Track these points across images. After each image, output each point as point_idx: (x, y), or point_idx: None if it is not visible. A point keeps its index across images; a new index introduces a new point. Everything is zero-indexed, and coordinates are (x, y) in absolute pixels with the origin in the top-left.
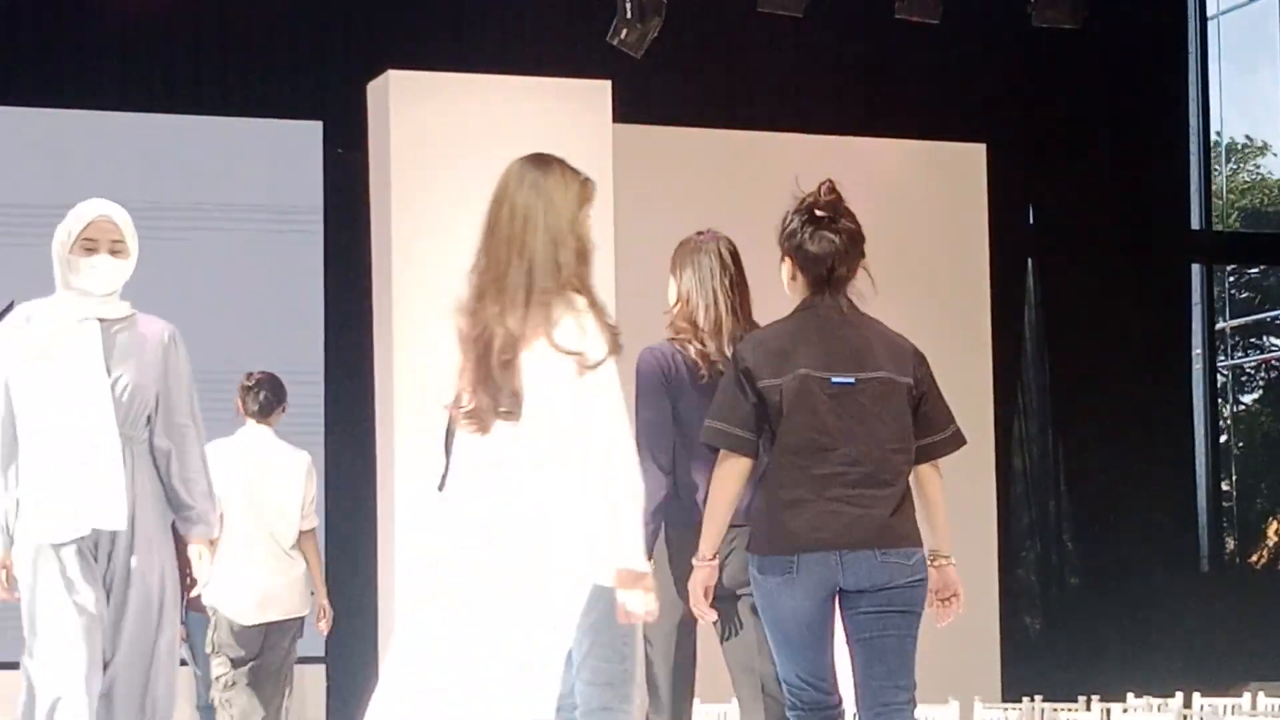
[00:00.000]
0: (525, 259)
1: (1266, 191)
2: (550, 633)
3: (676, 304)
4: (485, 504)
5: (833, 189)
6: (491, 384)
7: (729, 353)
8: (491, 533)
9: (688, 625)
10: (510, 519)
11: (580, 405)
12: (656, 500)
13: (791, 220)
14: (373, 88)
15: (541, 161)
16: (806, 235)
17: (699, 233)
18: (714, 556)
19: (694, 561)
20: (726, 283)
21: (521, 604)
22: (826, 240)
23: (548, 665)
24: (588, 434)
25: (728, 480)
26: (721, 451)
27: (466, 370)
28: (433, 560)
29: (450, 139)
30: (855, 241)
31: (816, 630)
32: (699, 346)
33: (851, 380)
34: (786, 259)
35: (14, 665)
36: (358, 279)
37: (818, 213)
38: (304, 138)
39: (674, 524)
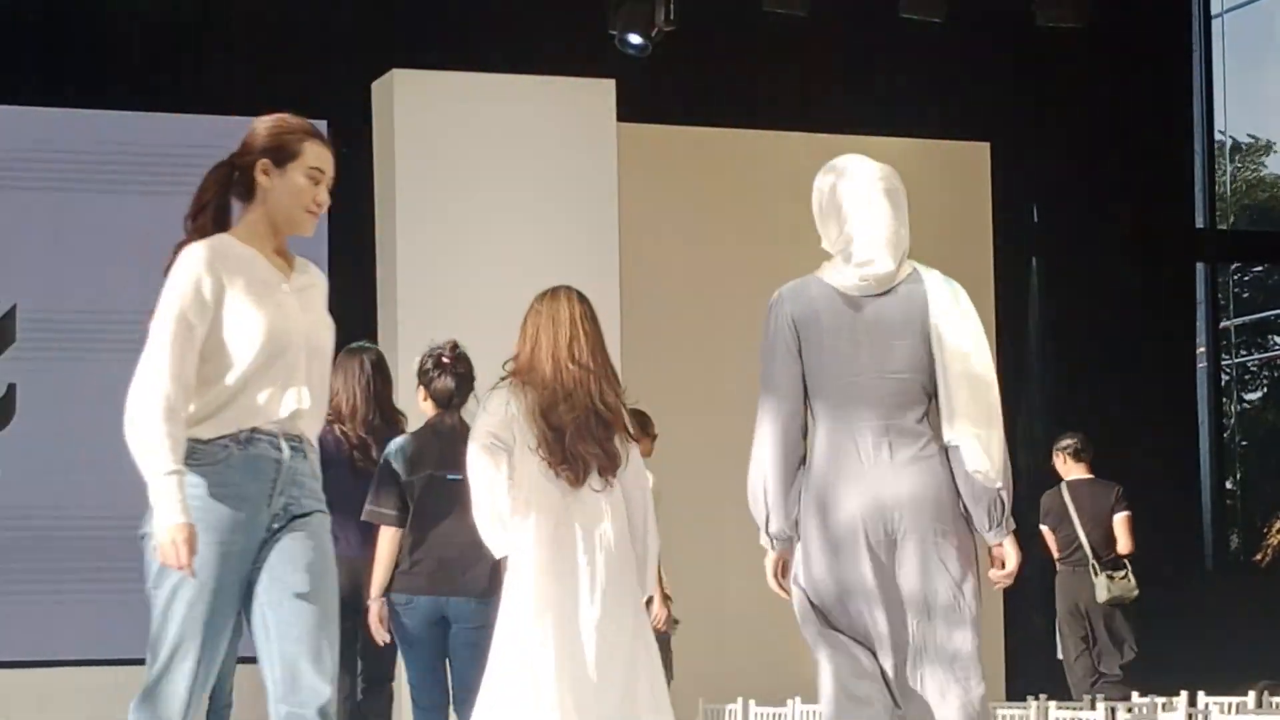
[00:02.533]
0: None
1: (1270, 190)
2: None
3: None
4: None
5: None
6: None
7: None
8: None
9: None
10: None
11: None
12: None
13: (426, 361)
14: (377, 87)
15: None
16: (435, 375)
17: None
18: None
19: None
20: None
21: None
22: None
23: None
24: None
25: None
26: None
27: None
28: None
29: (454, 138)
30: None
31: None
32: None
33: (458, 477)
34: (421, 388)
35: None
36: (362, 278)
37: (443, 360)
38: None
39: None
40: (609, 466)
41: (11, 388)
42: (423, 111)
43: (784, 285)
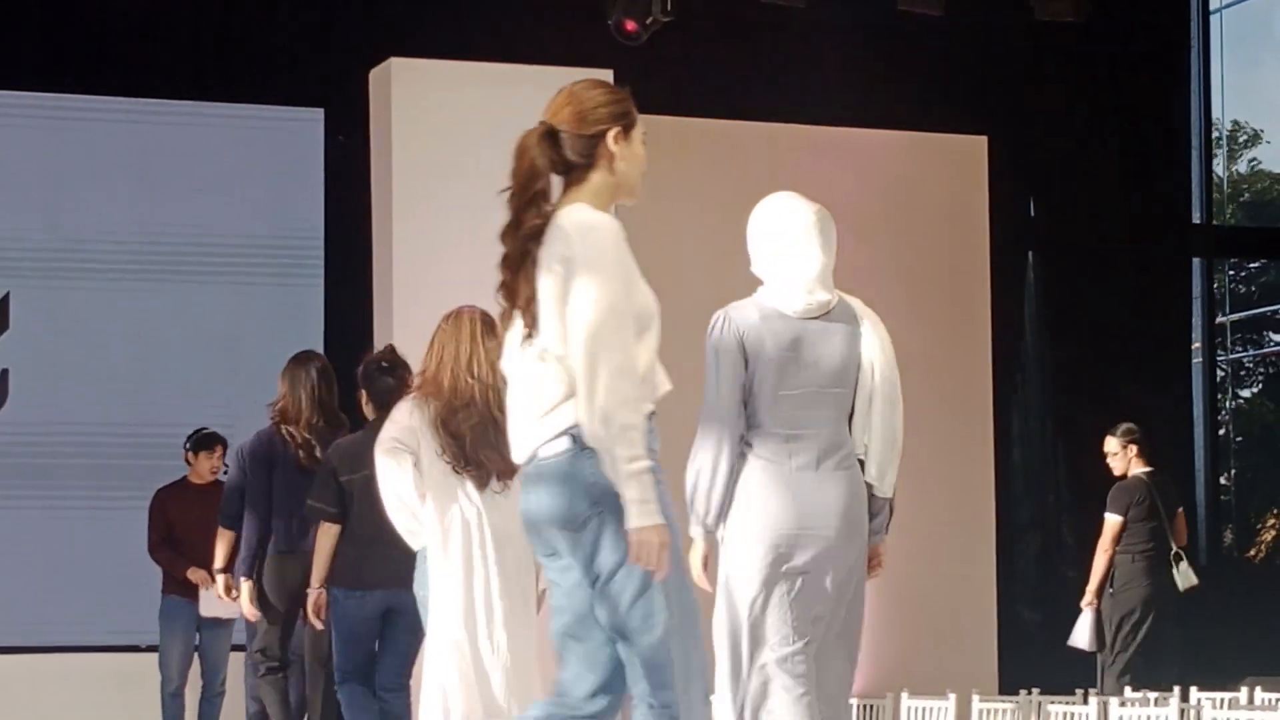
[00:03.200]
0: None
1: (1267, 185)
2: None
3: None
4: None
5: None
6: None
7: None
8: None
9: None
10: None
11: None
12: None
13: (367, 366)
14: (375, 75)
15: None
16: (375, 379)
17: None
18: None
19: None
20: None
21: None
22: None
23: None
24: None
25: None
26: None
27: None
28: None
29: (452, 127)
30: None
31: None
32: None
33: None
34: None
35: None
36: (357, 267)
37: (382, 364)
38: (306, 125)
39: None
40: (506, 471)
41: (4, 373)
42: (420, 100)
43: (728, 306)
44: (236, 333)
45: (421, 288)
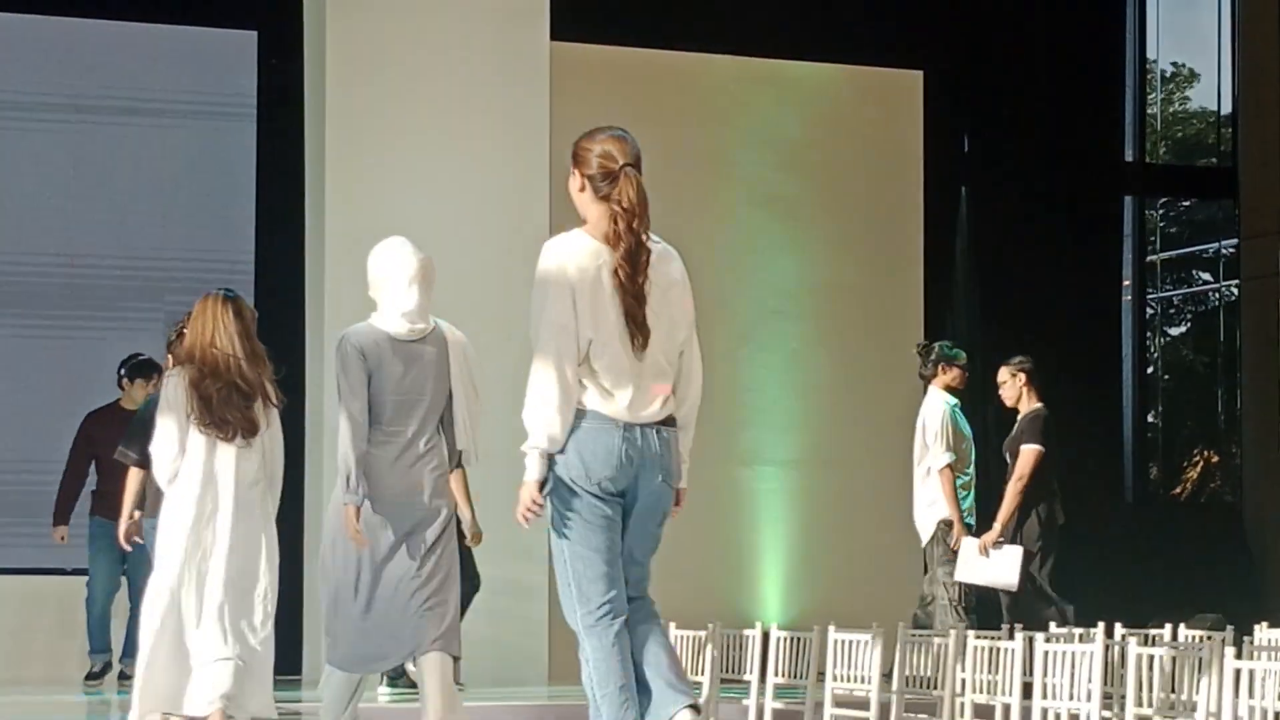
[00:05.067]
0: None
1: (1200, 125)
2: None
3: None
4: None
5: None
6: None
7: None
8: None
9: None
10: None
11: None
12: None
13: (170, 332)
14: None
15: None
16: (177, 343)
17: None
18: None
19: None
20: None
21: None
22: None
23: None
24: None
25: None
26: None
27: None
28: None
29: (386, 51)
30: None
31: None
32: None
33: None
34: (169, 355)
35: None
36: (289, 188)
37: (183, 330)
38: (239, 46)
39: None
40: (249, 429)
41: None
42: (355, 24)
43: (348, 330)
44: (170, 238)
45: (355, 211)
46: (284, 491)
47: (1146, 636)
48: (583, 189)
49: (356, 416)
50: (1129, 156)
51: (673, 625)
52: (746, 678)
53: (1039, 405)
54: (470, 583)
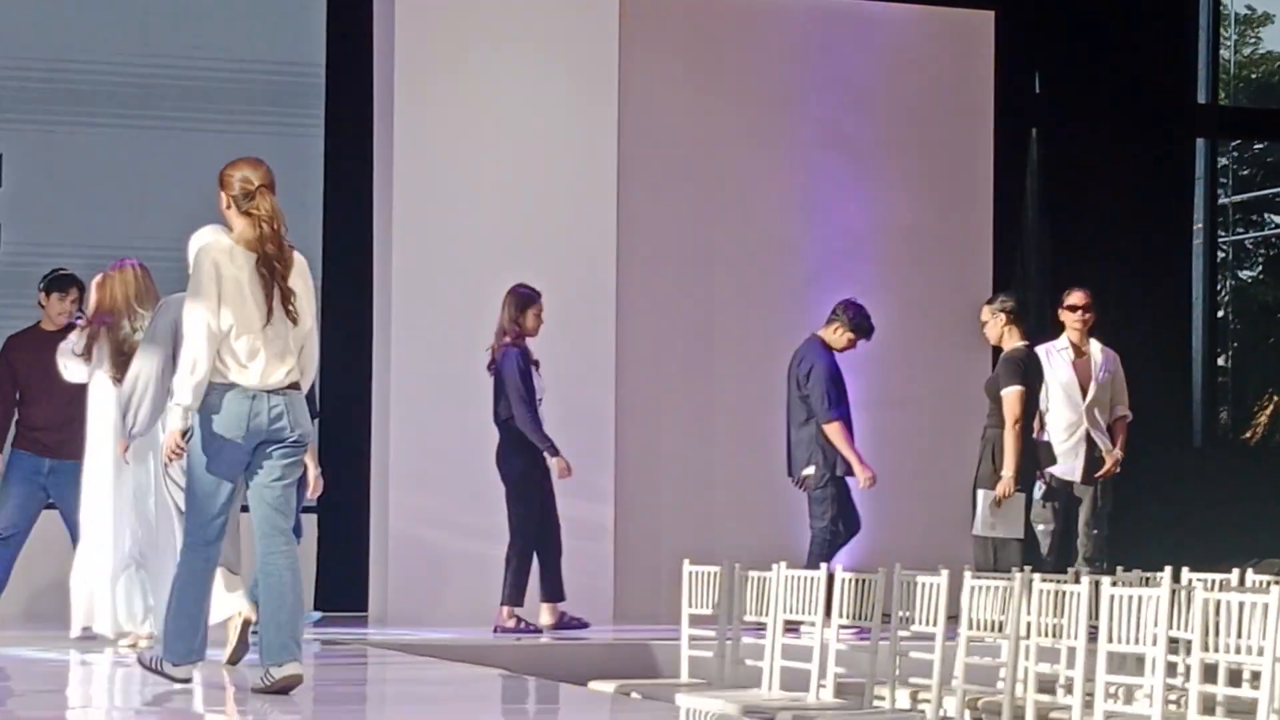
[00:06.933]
0: None
1: (1275, 67)
2: None
3: None
4: None
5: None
6: None
7: None
8: None
9: None
10: None
11: None
12: None
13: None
14: None
15: None
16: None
17: None
18: None
19: None
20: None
21: None
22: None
23: None
24: None
25: None
26: None
27: None
28: None
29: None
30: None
31: None
32: None
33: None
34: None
35: None
36: (360, 144)
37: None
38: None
39: None
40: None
41: None
42: None
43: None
44: None
45: (425, 156)
46: (351, 447)
47: (1214, 581)
48: (229, 206)
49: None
50: (1201, 99)
51: (737, 566)
52: (811, 619)
53: (1020, 344)
54: None
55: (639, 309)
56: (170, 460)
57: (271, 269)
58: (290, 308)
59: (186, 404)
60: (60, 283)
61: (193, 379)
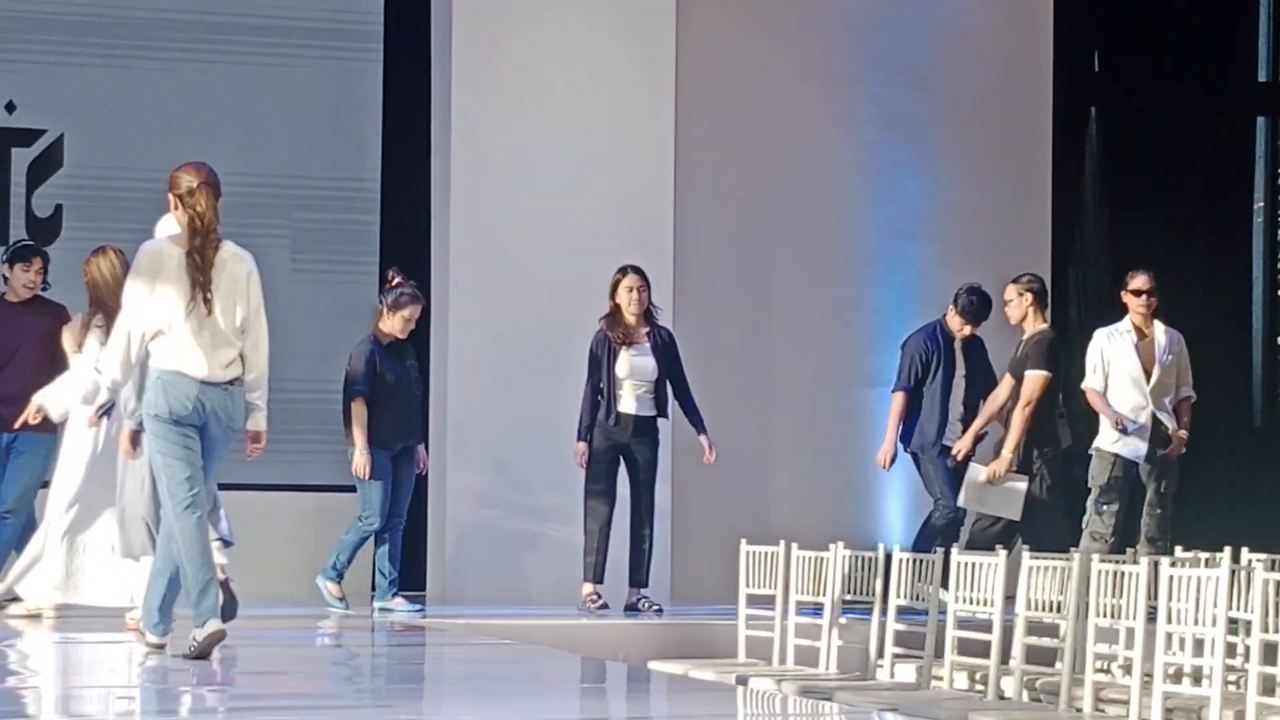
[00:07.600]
0: None
1: None
2: None
3: None
4: None
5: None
6: None
7: None
8: None
9: None
10: None
11: None
12: None
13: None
14: None
15: None
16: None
17: None
18: None
19: None
20: None
21: None
22: None
23: None
24: None
25: None
26: None
27: None
28: None
29: None
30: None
31: None
32: None
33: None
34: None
35: None
36: (419, 104)
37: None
38: None
39: None
40: None
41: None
42: None
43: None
44: (295, 160)
45: (481, 127)
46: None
47: (1273, 561)
48: (175, 207)
49: None
50: (1262, 77)
51: (795, 546)
52: (869, 599)
53: (1044, 326)
54: None
55: (696, 288)
56: (130, 459)
57: (196, 264)
58: (208, 296)
59: (116, 378)
60: (23, 253)
61: (119, 357)
